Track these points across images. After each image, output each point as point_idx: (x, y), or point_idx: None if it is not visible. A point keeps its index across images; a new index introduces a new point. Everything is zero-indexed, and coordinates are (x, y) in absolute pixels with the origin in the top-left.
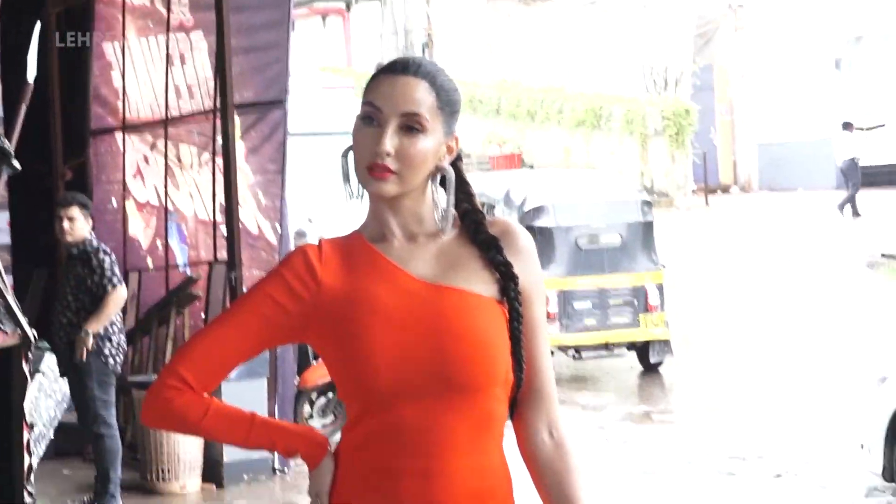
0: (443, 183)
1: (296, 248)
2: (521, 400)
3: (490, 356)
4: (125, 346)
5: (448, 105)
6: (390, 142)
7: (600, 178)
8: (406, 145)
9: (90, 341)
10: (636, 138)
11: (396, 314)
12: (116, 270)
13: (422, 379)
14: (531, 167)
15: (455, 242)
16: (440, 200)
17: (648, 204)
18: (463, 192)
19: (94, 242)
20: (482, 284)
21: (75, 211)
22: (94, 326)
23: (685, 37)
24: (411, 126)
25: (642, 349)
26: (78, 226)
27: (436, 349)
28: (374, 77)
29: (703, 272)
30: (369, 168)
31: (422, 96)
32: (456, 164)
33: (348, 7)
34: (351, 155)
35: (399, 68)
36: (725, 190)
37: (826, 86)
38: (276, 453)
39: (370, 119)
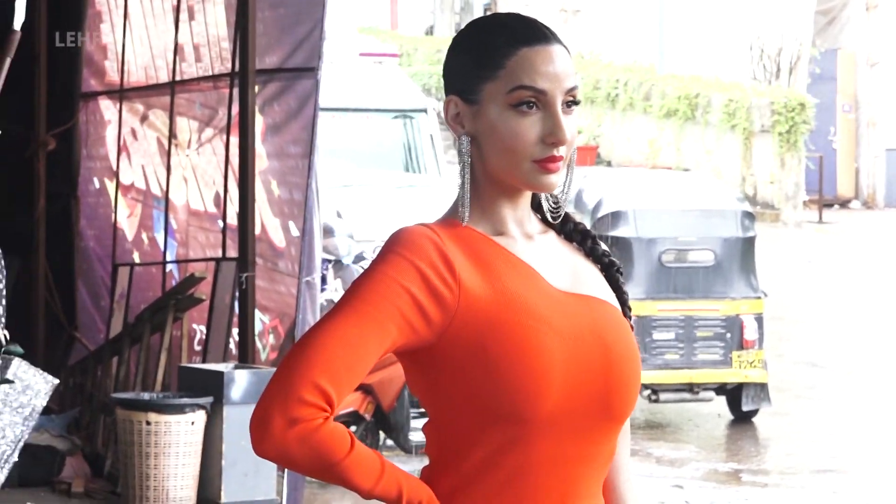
0: None
1: (406, 230)
2: None
3: (639, 381)
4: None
5: None
6: (568, 127)
7: (693, 182)
8: (569, 126)
9: None
10: (738, 135)
11: (560, 325)
12: None
13: (586, 405)
14: (608, 164)
15: (561, 246)
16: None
17: (750, 216)
18: None
19: None
20: (611, 297)
21: None
22: None
23: (804, 13)
24: (571, 103)
25: (733, 394)
26: None
27: (603, 371)
28: (509, 54)
29: (812, 303)
30: (543, 162)
31: (572, 65)
32: None
33: None
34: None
35: (542, 37)
36: (844, 204)
37: None
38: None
39: (528, 104)
